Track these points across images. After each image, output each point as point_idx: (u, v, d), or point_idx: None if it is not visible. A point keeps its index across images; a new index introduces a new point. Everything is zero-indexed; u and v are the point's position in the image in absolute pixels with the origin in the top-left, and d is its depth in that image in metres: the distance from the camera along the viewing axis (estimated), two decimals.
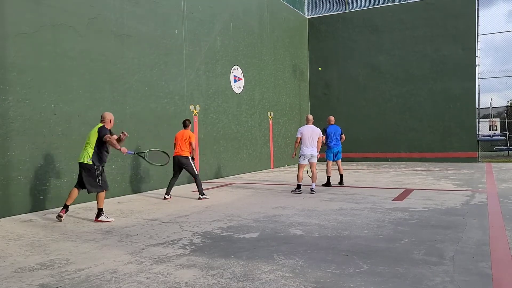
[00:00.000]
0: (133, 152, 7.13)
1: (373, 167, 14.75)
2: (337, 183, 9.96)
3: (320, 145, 8.99)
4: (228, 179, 11.95)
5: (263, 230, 5.45)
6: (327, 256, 4.21)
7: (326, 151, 10.05)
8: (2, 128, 6.84)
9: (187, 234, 5.30)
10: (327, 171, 9.93)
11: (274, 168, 15.53)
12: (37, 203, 7.34)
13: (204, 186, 10.39)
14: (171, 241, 4.99)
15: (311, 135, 8.83)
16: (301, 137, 8.88)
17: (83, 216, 6.77)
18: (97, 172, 6.30)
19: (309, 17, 19.07)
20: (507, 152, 19.43)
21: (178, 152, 8.30)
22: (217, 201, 8.05)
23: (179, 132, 8.49)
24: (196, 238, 5.11)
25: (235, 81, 13.28)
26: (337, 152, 10.01)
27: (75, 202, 8.01)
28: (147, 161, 7.40)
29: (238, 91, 13.44)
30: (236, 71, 13.38)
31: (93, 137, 6.33)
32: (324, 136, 9.71)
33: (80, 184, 6.46)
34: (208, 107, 11.97)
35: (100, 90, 8.61)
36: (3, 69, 6.89)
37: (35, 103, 7.35)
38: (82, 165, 6.31)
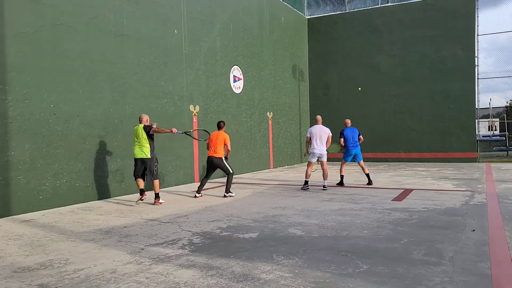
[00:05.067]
0: (181, 132, 8.26)
1: (373, 167, 14.75)
2: (366, 184, 9.87)
3: (329, 143, 9.33)
4: None
5: (263, 230, 5.45)
6: (327, 256, 4.21)
7: (344, 153, 10.06)
8: (2, 128, 6.84)
9: (187, 234, 5.30)
10: (341, 170, 10.01)
11: (273, 168, 15.53)
12: (37, 203, 7.33)
13: (206, 185, 10.39)
14: (170, 241, 4.99)
15: (320, 134, 9.19)
16: (310, 137, 9.26)
17: (83, 216, 6.77)
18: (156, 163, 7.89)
19: (309, 17, 19.08)
20: (506, 152, 19.43)
21: (211, 153, 8.47)
22: (216, 201, 8.05)
23: (213, 133, 8.61)
24: (196, 238, 5.11)
25: (234, 81, 13.28)
26: (355, 154, 9.96)
27: (75, 202, 8.03)
28: (193, 138, 8.97)
29: (237, 91, 13.45)
30: (236, 71, 13.38)
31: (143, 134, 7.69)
32: (342, 139, 9.90)
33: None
34: (208, 107, 11.97)
35: (100, 90, 8.61)
36: (3, 69, 6.89)
37: (34, 103, 7.35)
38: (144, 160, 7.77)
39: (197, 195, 8.49)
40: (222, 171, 8.67)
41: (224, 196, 8.47)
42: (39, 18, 7.48)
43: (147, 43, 9.83)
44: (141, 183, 7.75)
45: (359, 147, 10.01)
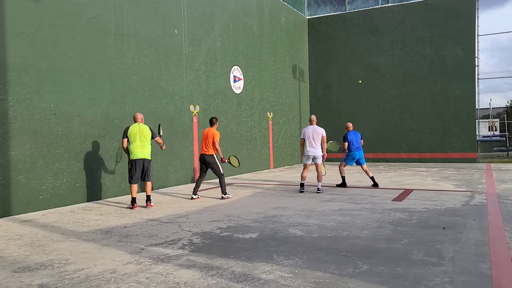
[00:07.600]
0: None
1: (373, 168, 14.75)
2: (371, 185, 9.63)
3: (325, 145, 9.05)
4: (228, 179, 11.93)
5: (263, 230, 5.45)
6: (327, 256, 4.21)
7: (347, 156, 9.79)
8: (2, 128, 6.84)
9: (187, 234, 5.30)
10: (341, 172, 9.76)
11: (273, 168, 15.53)
12: (37, 203, 7.33)
13: (204, 186, 10.40)
14: (170, 241, 4.99)
15: (312, 135, 8.91)
16: (304, 138, 8.98)
17: (83, 216, 6.77)
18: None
19: (309, 17, 19.08)
20: (506, 152, 19.42)
21: (202, 151, 8.29)
22: (216, 201, 8.05)
23: (205, 130, 8.46)
24: (196, 238, 5.11)
25: (235, 81, 13.28)
26: (359, 158, 9.73)
27: (75, 202, 8.03)
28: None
29: (238, 91, 13.45)
30: (236, 71, 13.38)
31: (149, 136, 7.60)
32: (346, 144, 9.67)
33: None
34: (208, 107, 11.97)
35: (100, 90, 8.61)
36: (3, 69, 6.89)
37: (34, 103, 7.35)
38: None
39: (194, 196, 8.27)
40: (213, 171, 8.36)
41: (222, 198, 8.26)
42: (39, 18, 7.48)
43: (147, 43, 9.83)
44: (136, 191, 7.49)
45: (362, 151, 9.83)
